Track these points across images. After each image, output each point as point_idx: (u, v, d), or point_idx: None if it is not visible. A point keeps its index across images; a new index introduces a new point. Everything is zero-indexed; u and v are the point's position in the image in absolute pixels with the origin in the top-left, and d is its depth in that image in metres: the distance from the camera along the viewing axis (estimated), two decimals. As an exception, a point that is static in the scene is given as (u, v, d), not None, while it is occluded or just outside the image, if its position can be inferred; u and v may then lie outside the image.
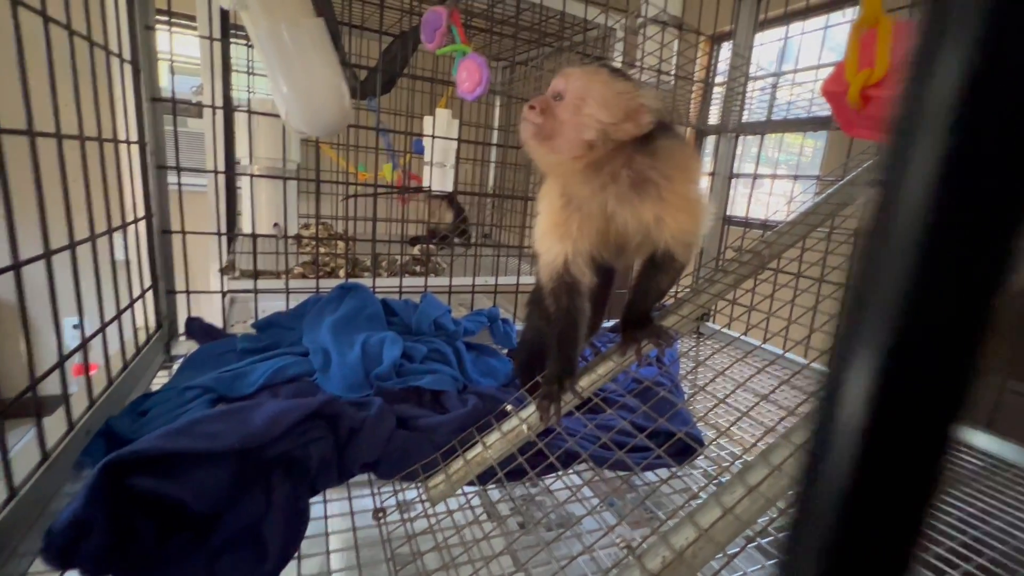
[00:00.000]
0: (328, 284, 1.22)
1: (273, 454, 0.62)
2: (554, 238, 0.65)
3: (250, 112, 1.07)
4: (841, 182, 0.85)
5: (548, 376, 0.71)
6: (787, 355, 0.77)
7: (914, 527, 0.14)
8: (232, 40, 1.55)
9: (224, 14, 1.30)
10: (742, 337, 0.78)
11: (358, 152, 1.85)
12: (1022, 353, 1.01)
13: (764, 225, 1.37)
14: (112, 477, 0.52)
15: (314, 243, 1.37)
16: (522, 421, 0.70)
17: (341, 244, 1.58)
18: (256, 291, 1.17)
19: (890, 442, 0.13)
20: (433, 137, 1.36)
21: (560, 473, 0.73)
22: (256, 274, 1.19)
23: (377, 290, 1.27)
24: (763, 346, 0.77)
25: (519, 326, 1.33)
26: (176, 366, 0.94)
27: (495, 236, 2.44)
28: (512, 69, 2.23)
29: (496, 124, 2.45)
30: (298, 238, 1.44)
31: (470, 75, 0.77)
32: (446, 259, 2.01)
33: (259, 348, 0.99)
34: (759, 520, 0.48)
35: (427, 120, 1.48)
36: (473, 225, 2.30)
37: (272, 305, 1.23)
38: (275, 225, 1.08)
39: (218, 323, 1.12)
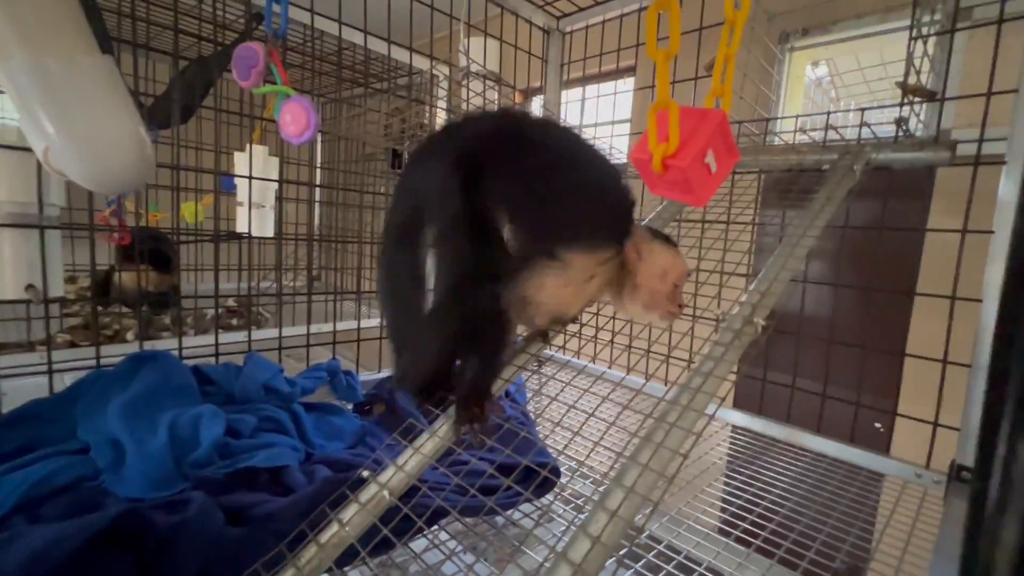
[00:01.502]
0: (113, 353, 0.98)
1: (43, 603, 0.46)
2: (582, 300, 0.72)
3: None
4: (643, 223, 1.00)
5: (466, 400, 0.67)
6: (626, 379, 0.87)
7: None
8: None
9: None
10: (589, 366, 0.86)
11: (147, 190, 1.55)
12: (775, 350, 1.30)
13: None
14: None
15: (85, 302, 1.09)
16: (382, 486, 0.65)
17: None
18: (-3, 374, 0.88)
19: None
20: (251, 178, 1.22)
21: (427, 532, 0.69)
22: (-5, 351, 0.90)
23: (185, 353, 1.07)
24: (607, 372, 0.85)
25: (365, 376, 1.25)
26: None
27: (326, 280, 2.28)
28: (336, 107, 2.14)
29: (319, 162, 2.31)
30: (62, 300, 1.12)
31: (295, 119, 0.72)
32: (269, 308, 1.80)
33: (6, 453, 0.74)
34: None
35: (239, 156, 1.32)
36: (303, 269, 2.11)
37: (26, 387, 0.94)
38: (28, 287, 0.83)
39: (-70, 426, 0.81)
